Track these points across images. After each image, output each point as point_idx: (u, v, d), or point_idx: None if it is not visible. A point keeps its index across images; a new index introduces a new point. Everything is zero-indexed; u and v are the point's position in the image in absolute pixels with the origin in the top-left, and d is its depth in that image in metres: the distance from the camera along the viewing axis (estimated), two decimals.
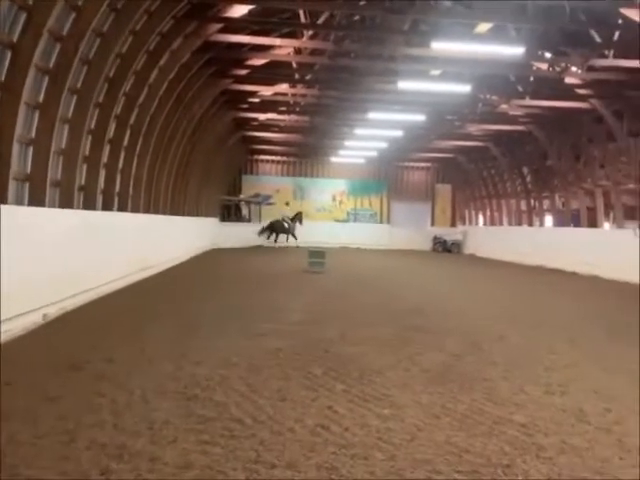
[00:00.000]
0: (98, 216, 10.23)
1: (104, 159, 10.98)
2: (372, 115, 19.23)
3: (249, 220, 29.56)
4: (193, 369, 5.01)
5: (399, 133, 21.85)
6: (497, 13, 12.03)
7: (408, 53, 14.57)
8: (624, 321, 8.87)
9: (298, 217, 28.18)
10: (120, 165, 11.91)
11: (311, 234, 28.04)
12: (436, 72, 16.84)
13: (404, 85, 15.45)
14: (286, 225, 27.73)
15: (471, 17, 12.49)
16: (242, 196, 29.93)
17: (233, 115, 20.79)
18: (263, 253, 23.47)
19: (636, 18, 11.33)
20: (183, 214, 18.30)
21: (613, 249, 16.42)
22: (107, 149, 11.15)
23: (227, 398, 4.23)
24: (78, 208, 9.74)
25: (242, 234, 27.05)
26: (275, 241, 27.30)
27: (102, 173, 11.01)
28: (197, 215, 21.18)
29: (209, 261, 18.76)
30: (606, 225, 19.54)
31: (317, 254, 15.62)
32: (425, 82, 15.83)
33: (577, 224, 20.46)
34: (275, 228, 27.29)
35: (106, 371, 4.86)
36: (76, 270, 8.22)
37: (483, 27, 12.87)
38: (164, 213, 15.60)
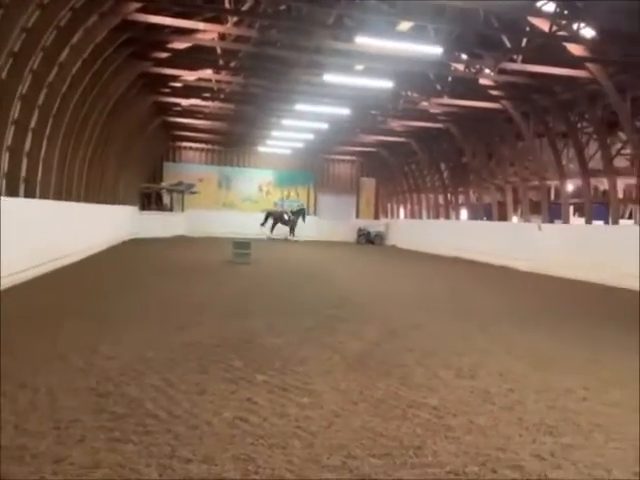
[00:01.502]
0: None
1: (8, 141, 10.11)
2: (299, 106, 19.25)
3: (171, 209, 28.60)
4: (105, 364, 4.78)
5: (325, 126, 22.06)
6: (418, 13, 12.42)
7: (333, 46, 14.70)
8: (529, 309, 9.59)
9: (301, 212, 27.95)
10: (27, 148, 11.04)
11: (237, 225, 27.68)
12: (360, 67, 17.15)
13: (329, 78, 15.61)
14: (285, 217, 27.60)
15: (393, 15, 12.80)
16: (164, 184, 28.85)
17: (153, 99, 19.94)
18: (185, 243, 22.82)
19: (542, 26, 12.18)
20: (99, 202, 17.33)
21: (520, 241, 17.67)
22: (11, 130, 10.28)
23: (142, 394, 4.09)
24: None
25: (163, 224, 26.15)
26: (271, 231, 27.18)
27: (6, 156, 10.15)
28: (114, 203, 20.15)
29: (126, 252, 17.95)
30: (514, 219, 20.95)
31: (242, 245, 15.41)
32: (350, 76, 16.08)
33: (489, 217, 21.78)
34: (274, 217, 27.23)
35: (9, 369, 4.52)
36: None
37: (405, 25, 13.26)
38: (77, 200, 14.69)
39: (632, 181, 17.00)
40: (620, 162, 15.79)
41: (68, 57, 11.60)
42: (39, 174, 11.73)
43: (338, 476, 2.97)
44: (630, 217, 21.80)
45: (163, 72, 16.78)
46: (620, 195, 18.28)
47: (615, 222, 15.69)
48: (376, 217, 32.91)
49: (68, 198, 13.83)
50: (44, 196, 12.01)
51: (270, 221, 27.53)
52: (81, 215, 14.74)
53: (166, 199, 28.83)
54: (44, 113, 11.49)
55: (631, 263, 13.04)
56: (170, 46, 15.74)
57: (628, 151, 15.26)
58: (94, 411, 3.69)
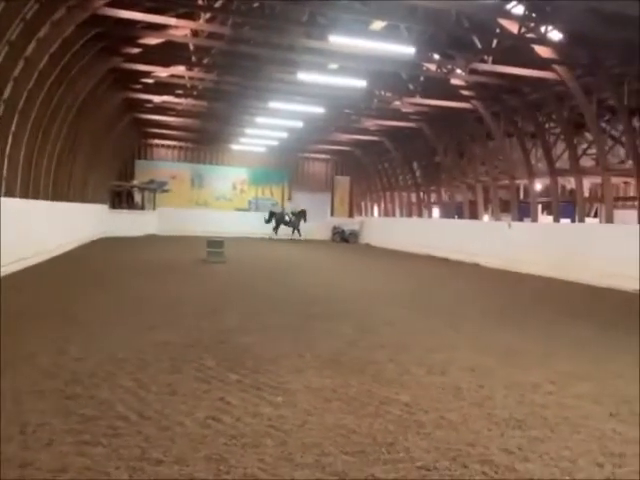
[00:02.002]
0: None
1: None
2: (273, 104, 19.18)
3: (142, 207, 28.12)
4: (74, 366, 4.68)
5: (299, 124, 22.03)
6: (390, 13, 12.51)
7: (307, 45, 14.69)
8: (498, 305, 9.79)
9: (302, 214, 28.62)
10: None
11: (210, 223, 27.43)
12: (334, 66, 17.18)
13: (303, 76, 15.59)
14: (287, 218, 28.38)
15: (366, 14, 12.86)
16: (135, 182, 28.35)
17: (124, 95, 19.57)
18: (157, 243, 22.49)
19: (511, 28, 12.42)
20: (67, 200, 16.92)
21: (490, 239, 18.01)
22: None
23: (112, 395, 4.02)
24: None
25: (134, 222, 25.70)
26: (275, 232, 27.85)
27: None
28: (84, 201, 19.71)
29: (95, 252, 17.59)
30: (485, 217, 21.34)
31: (215, 244, 15.27)
32: (324, 75, 16.10)
33: (460, 216, 22.12)
34: (276, 218, 27.96)
35: None
36: None
37: (378, 25, 13.34)
38: (45, 198, 14.31)
39: (597, 180, 17.52)
40: (586, 162, 16.24)
41: (34, 51, 11.27)
42: (4, 171, 11.38)
43: (311, 474, 2.98)
44: (595, 215, 22.43)
45: (134, 68, 16.49)
46: (586, 194, 18.82)
47: (581, 220, 16.15)
48: (350, 215, 33.06)
49: (35, 196, 13.47)
50: (10, 194, 11.66)
51: (273, 222, 28.31)
52: (48, 214, 14.37)
53: (137, 197, 28.34)
54: (10, 109, 11.13)
55: (596, 260, 13.45)
56: (141, 42, 15.46)
57: (594, 151, 15.70)
58: (62, 414, 3.61)
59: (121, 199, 27.43)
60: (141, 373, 4.58)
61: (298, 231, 28.59)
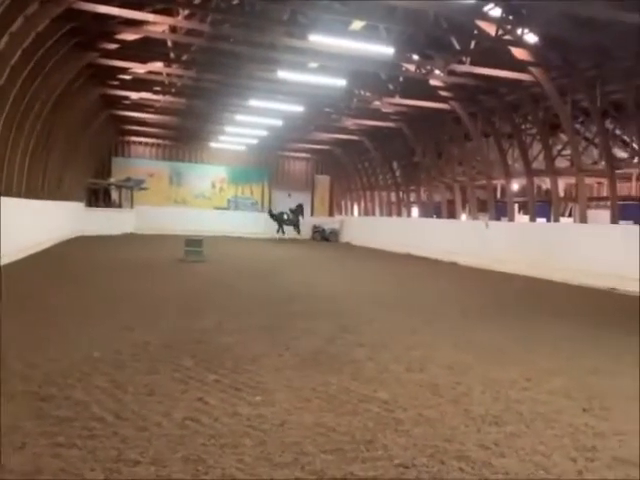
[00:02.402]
0: None
1: None
2: (253, 102, 19.09)
3: (120, 205, 27.70)
4: (48, 367, 4.59)
5: (279, 122, 21.97)
6: (370, 13, 12.56)
7: (288, 43, 14.65)
8: (476, 304, 9.92)
9: (300, 209, 28.40)
10: None
11: (189, 222, 27.17)
12: (314, 65, 17.18)
13: (284, 75, 15.56)
14: (285, 217, 28.17)
15: (346, 14, 12.89)
16: (112, 180, 27.91)
17: (101, 91, 19.23)
18: (135, 241, 22.19)
19: (489, 30, 12.59)
20: (41, 198, 16.55)
21: (468, 238, 18.25)
22: None
23: (87, 396, 3.95)
24: None
25: (111, 221, 25.30)
26: (278, 232, 27.69)
27: None
28: (59, 199, 19.31)
29: (70, 251, 17.26)
30: (463, 216, 21.62)
31: (194, 243, 15.13)
32: (304, 74, 16.09)
33: (439, 215, 22.36)
34: (277, 219, 27.88)
35: None
36: None
37: (357, 25, 13.38)
38: (18, 195, 13.97)
39: (572, 181, 17.90)
40: (561, 162, 16.58)
41: (7, 46, 10.99)
42: None
43: (290, 473, 2.98)
44: (570, 215, 22.92)
45: (111, 64, 16.21)
46: (561, 194, 19.20)
47: (557, 220, 16.47)
48: (330, 214, 33.11)
49: (8, 193, 13.14)
50: None
51: (276, 224, 28.26)
52: (21, 211, 14.03)
53: (114, 195, 27.91)
54: None
55: (570, 258, 13.75)
56: (118, 37, 15.22)
57: (568, 152, 16.03)
58: (36, 416, 3.54)
59: (98, 197, 26.97)
60: (118, 374, 4.52)
61: (298, 229, 28.46)
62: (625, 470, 3.22)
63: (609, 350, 6.42)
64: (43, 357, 4.87)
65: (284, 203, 31.54)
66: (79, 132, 20.33)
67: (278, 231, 28.09)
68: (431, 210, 23.01)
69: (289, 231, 28.35)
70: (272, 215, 28.56)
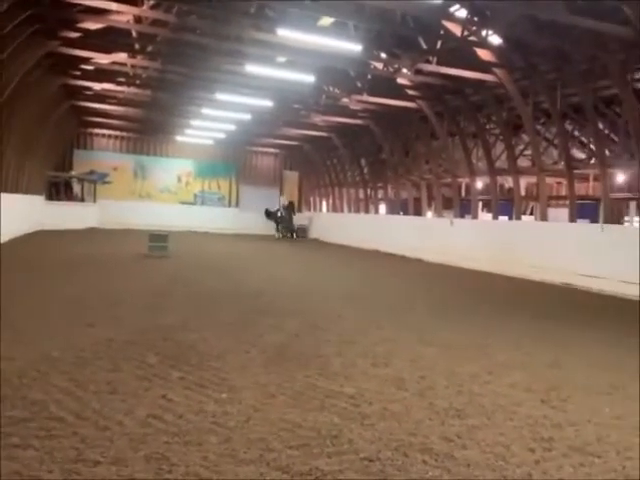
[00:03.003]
0: None
1: None
2: (220, 96, 18.84)
3: (82, 199, 26.92)
4: (3, 365, 4.42)
5: (247, 117, 21.76)
6: (339, 9, 12.57)
7: (255, 37, 14.51)
8: (440, 300, 10.11)
9: (291, 207, 27.19)
10: None
11: (154, 216, 26.64)
12: (282, 59, 17.08)
13: (251, 68, 15.41)
14: (278, 214, 27.19)
15: (314, 10, 12.86)
16: (73, 173, 27.08)
17: (62, 81, 18.61)
18: (98, 236, 21.61)
19: (455, 31, 12.80)
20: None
21: (433, 235, 18.55)
22: None
23: (45, 396, 3.83)
24: None
25: (73, 215, 24.57)
26: (278, 232, 26.45)
27: None
28: (17, 192, 18.60)
29: (30, 245, 16.68)
30: (429, 214, 21.96)
31: (159, 238, 14.86)
32: (272, 68, 15.97)
33: (406, 212, 22.64)
34: (274, 218, 26.87)
35: None
36: None
37: (326, 21, 13.37)
38: None
39: (533, 180, 18.42)
40: (523, 162, 17.04)
41: None
42: None
43: (255, 469, 2.97)
44: (531, 213, 23.60)
45: (73, 53, 15.69)
46: (523, 193, 19.74)
47: (518, 218, 16.93)
48: (299, 210, 33.06)
49: None
50: None
51: (273, 222, 27.34)
52: None
53: (76, 189, 27.10)
54: None
55: (531, 255, 14.16)
56: (81, 26, 14.74)
57: (530, 152, 16.49)
58: None
59: (59, 190, 26.12)
60: (78, 372, 4.40)
61: (292, 229, 27.64)
62: (580, 459, 3.34)
63: (562, 343, 6.65)
64: None
65: (249, 198, 31.30)
66: (39, 123, 19.63)
67: (278, 231, 26.95)
68: (398, 207, 23.28)
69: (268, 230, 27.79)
70: (269, 214, 27.46)
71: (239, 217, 30.56)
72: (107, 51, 16.46)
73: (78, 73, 18.44)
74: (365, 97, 18.43)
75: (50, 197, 25.22)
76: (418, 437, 3.54)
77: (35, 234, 20.29)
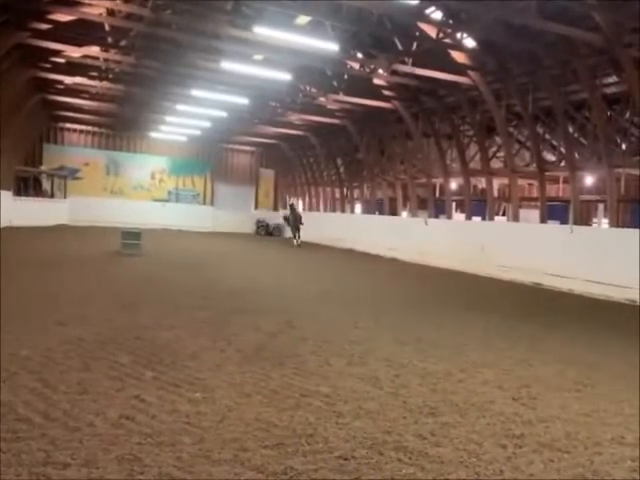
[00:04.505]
0: None
1: None
2: (195, 92, 18.62)
3: (52, 195, 26.25)
4: None
5: (223, 114, 21.57)
6: (316, 8, 12.57)
7: (232, 34, 14.39)
8: (414, 299, 10.21)
9: (292, 209, 23.57)
10: None
11: (127, 214, 26.18)
12: (259, 57, 16.99)
13: (227, 65, 15.28)
14: (286, 216, 24.47)
15: (292, 8, 12.83)
16: (43, 168, 26.37)
17: (31, 74, 18.12)
18: (68, 233, 21.12)
19: (430, 32, 12.94)
20: None
21: (408, 235, 18.73)
22: None
23: (13, 397, 3.72)
24: None
25: (43, 211, 23.95)
26: (295, 238, 22.56)
27: None
28: None
29: None
30: (404, 213, 22.15)
31: (132, 235, 14.62)
32: (248, 65, 15.87)
33: (381, 212, 22.79)
34: (289, 222, 23.62)
35: None
36: None
37: (303, 20, 13.35)
38: None
39: (505, 181, 18.77)
40: (496, 164, 17.35)
41: None
42: None
43: (230, 469, 2.95)
44: (504, 214, 24.03)
45: (43, 45, 15.28)
46: (495, 194, 20.08)
47: (491, 218, 17.23)
48: (275, 209, 32.95)
49: None
50: None
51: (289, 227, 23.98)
52: None
53: (46, 184, 26.40)
54: None
55: (503, 255, 14.43)
56: (51, 17, 14.36)
57: (502, 154, 16.79)
58: None
59: (27, 185, 25.38)
60: (47, 372, 4.29)
61: (296, 231, 23.49)
62: (549, 454, 3.42)
63: (531, 341, 6.81)
64: None
65: (224, 196, 30.99)
66: (7, 116, 19.04)
67: (295, 237, 22.59)
68: (373, 206, 23.41)
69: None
70: (287, 219, 24.20)
71: (214, 215, 30.27)
72: (79, 44, 16.07)
73: (49, 66, 17.98)
74: (341, 97, 18.48)
75: (18, 193, 24.49)
76: (392, 435, 3.56)
77: (2, 230, 19.69)
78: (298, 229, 22.51)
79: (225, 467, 2.97)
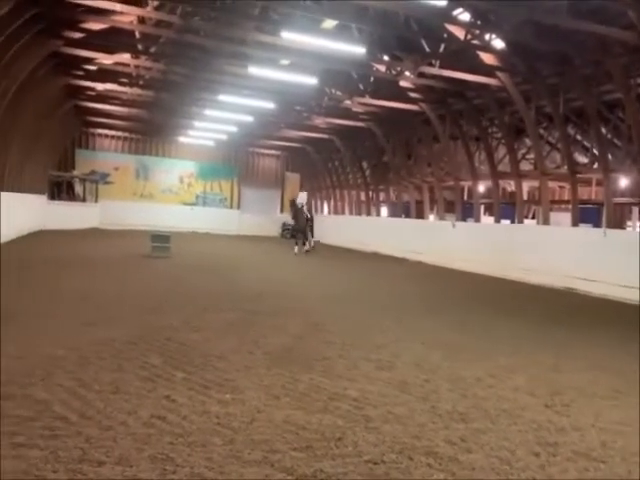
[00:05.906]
0: None
1: None
2: (222, 97, 18.85)
3: (83, 199, 26.93)
4: (7, 365, 4.42)
5: (250, 119, 21.78)
6: (342, 12, 12.58)
7: (259, 39, 14.53)
8: (442, 303, 10.09)
9: (295, 208, 19.94)
10: None
11: (156, 217, 26.64)
12: (285, 62, 17.10)
13: (254, 70, 15.42)
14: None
15: (318, 12, 12.88)
16: (75, 172, 27.09)
17: (65, 81, 18.64)
18: (99, 236, 21.61)
19: (458, 34, 12.81)
20: (1, 189, 15.91)
21: (436, 238, 18.54)
22: None
23: (50, 395, 3.83)
24: None
25: (75, 215, 24.58)
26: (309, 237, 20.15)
27: None
28: (20, 191, 18.60)
29: (32, 245, 16.68)
30: (431, 217, 21.93)
31: (161, 238, 14.87)
32: (275, 70, 15.99)
33: (408, 215, 22.62)
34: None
35: None
36: None
37: (329, 24, 13.37)
38: None
39: (535, 184, 18.41)
40: (525, 166, 17.02)
41: None
42: None
43: (259, 471, 2.96)
44: (533, 217, 23.56)
45: (76, 53, 15.71)
46: (525, 196, 19.71)
47: (520, 221, 16.91)
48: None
49: None
50: None
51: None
52: None
53: (78, 189, 27.11)
54: None
55: (533, 259, 14.14)
56: (84, 26, 14.77)
57: (532, 156, 16.47)
58: None
59: (61, 190, 26.12)
60: (82, 372, 4.39)
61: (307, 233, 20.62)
62: (585, 464, 3.33)
63: (566, 347, 6.64)
64: (4, 355, 4.68)
65: (250, 199, 31.22)
66: (42, 122, 19.66)
67: (303, 241, 19.78)
68: (400, 210, 23.25)
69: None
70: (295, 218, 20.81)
71: (240, 218, 30.58)
72: (110, 51, 16.48)
73: (81, 73, 18.46)
74: (367, 99, 18.43)
75: (52, 197, 25.24)
76: (422, 440, 3.53)
77: (38, 233, 20.30)
78: (304, 232, 19.24)
79: (255, 468, 2.99)
